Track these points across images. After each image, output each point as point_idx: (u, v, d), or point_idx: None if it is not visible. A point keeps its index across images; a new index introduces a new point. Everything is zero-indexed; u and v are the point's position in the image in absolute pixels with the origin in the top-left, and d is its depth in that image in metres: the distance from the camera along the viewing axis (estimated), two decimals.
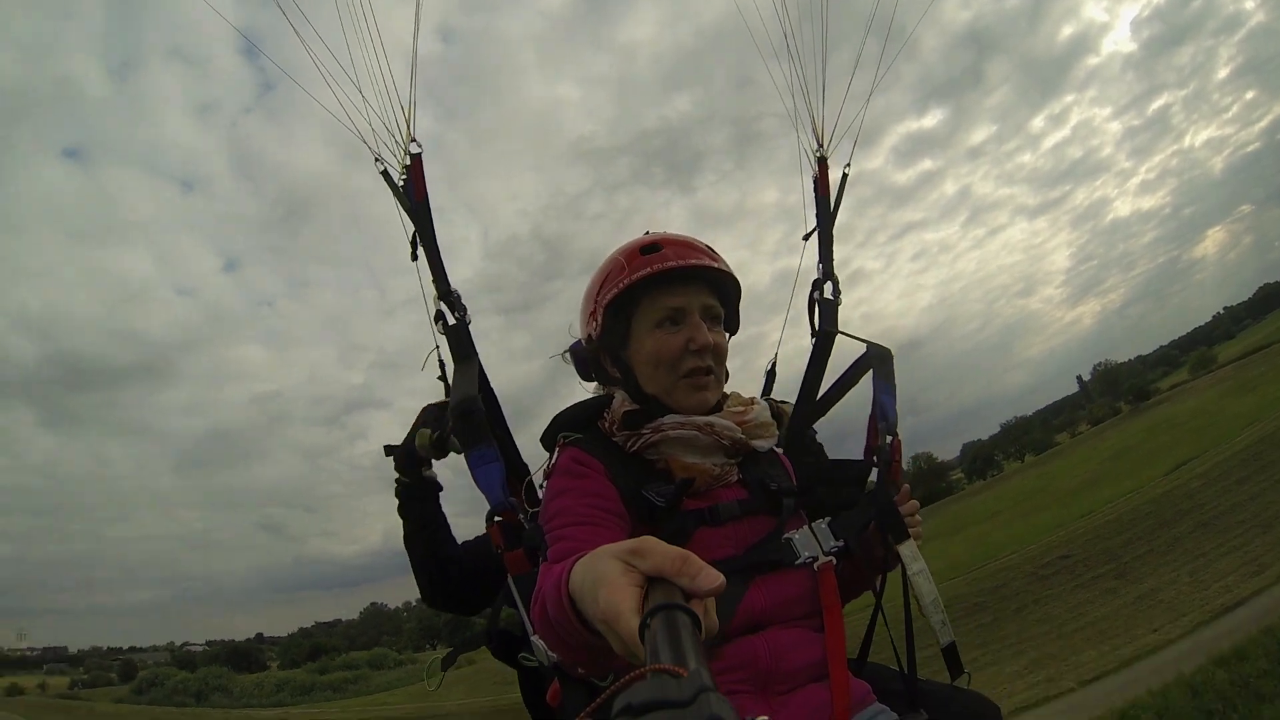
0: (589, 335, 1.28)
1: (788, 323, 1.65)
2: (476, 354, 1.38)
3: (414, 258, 1.40)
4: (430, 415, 1.55)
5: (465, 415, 1.23)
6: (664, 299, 1.19)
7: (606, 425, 1.24)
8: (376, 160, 1.37)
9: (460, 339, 1.39)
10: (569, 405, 1.30)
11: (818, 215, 1.57)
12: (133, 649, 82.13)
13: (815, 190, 1.59)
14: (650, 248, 1.21)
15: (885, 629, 1.32)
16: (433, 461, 1.61)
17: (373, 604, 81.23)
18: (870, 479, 1.37)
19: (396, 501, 1.63)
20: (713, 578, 0.55)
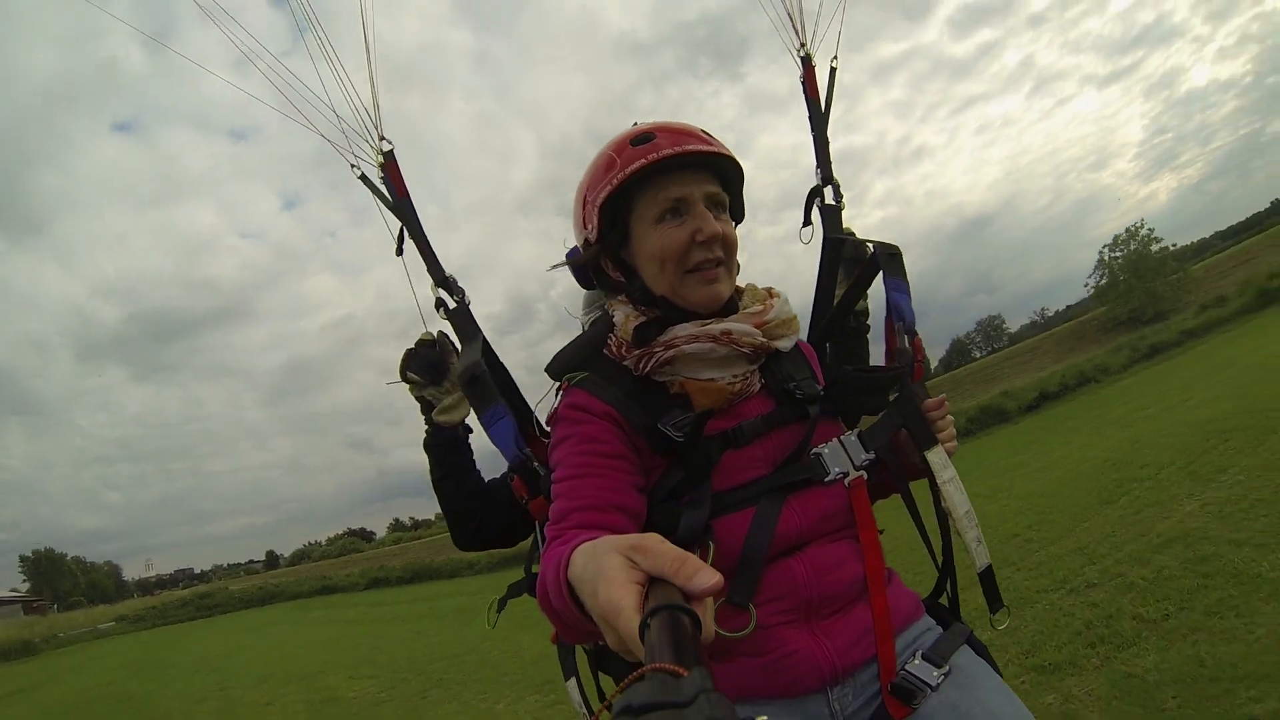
0: (586, 239, 1.19)
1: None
2: (481, 333, 1.34)
3: (399, 252, 1.36)
4: (413, 363, 1.40)
5: (472, 380, 1.20)
6: (663, 191, 1.08)
7: (614, 348, 1.13)
8: (353, 167, 1.36)
9: (464, 321, 1.35)
10: (569, 342, 1.23)
11: (810, 118, 1.46)
12: (250, 561, 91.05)
13: (804, 92, 1.47)
14: (642, 138, 1.09)
15: (925, 544, 1.24)
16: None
17: None
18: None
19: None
20: (710, 578, 0.53)
